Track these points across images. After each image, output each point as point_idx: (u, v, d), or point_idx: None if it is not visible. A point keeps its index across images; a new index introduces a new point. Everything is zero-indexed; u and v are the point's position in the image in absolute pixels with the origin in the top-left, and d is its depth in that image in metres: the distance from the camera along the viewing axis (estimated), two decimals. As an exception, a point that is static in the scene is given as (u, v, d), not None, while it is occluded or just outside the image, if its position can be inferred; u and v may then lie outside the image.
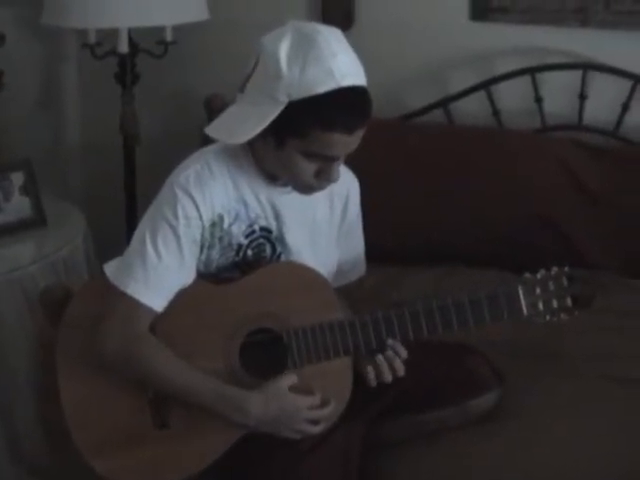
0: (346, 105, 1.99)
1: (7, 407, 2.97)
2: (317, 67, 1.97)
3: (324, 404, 2.11)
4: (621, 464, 2.22)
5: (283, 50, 1.99)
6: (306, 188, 2.12)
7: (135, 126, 3.45)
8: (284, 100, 1.98)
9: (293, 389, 2.09)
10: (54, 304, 2.27)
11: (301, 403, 2.09)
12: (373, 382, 2.15)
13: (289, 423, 2.08)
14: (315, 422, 2.10)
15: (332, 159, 2.05)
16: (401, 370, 2.15)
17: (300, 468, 2.08)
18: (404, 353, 2.15)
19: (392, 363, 2.14)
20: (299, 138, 2.01)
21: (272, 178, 2.15)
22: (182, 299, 2.11)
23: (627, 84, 3.21)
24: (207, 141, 2.21)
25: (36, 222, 3.18)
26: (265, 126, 2.00)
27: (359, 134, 2.04)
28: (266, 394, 2.07)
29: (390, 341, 2.14)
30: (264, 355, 2.12)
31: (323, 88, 1.97)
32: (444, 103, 3.35)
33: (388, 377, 2.14)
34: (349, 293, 2.35)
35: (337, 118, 1.99)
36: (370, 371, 2.15)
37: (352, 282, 2.40)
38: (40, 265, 3.02)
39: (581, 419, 2.33)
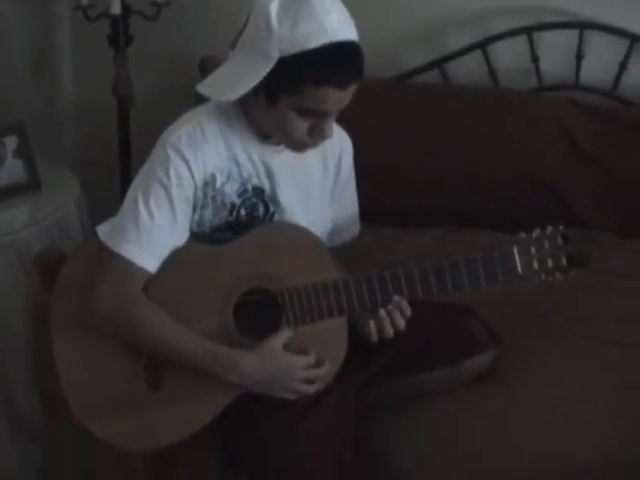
0: (339, 60, 1.98)
1: (3, 372, 2.96)
2: (309, 23, 1.95)
3: (319, 364, 2.10)
4: (613, 423, 2.23)
5: (274, 6, 1.97)
6: (299, 146, 2.11)
7: (129, 88, 3.42)
8: (276, 56, 1.97)
9: (288, 349, 2.09)
10: (48, 267, 2.26)
11: (296, 362, 2.09)
12: (374, 336, 2.14)
13: (284, 383, 2.08)
14: (310, 382, 2.10)
15: (325, 115, 2.04)
16: (402, 324, 2.14)
17: (295, 429, 2.08)
18: (408, 311, 2.14)
19: (393, 317, 2.12)
20: (291, 94, 1.99)
21: (265, 137, 2.14)
22: (175, 260, 2.10)
23: (624, 43, 3.18)
24: (201, 102, 2.19)
25: (30, 186, 3.17)
26: (257, 83, 1.99)
27: (352, 89, 2.02)
28: (260, 354, 2.06)
29: (397, 297, 2.13)
30: (258, 316, 2.11)
31: (315, 43, 1.95)
32: (440, 63, 3.32)
33: (389, 331, 2.13)
34: (343, 253, 2.34)
35: (330, 73, 1.97)
36: (372, 325, 2.13)
37: (346, 242, 2.40)
38: (34, 229, 3.01)
39: (572, 379, 2.33)
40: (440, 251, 2.75)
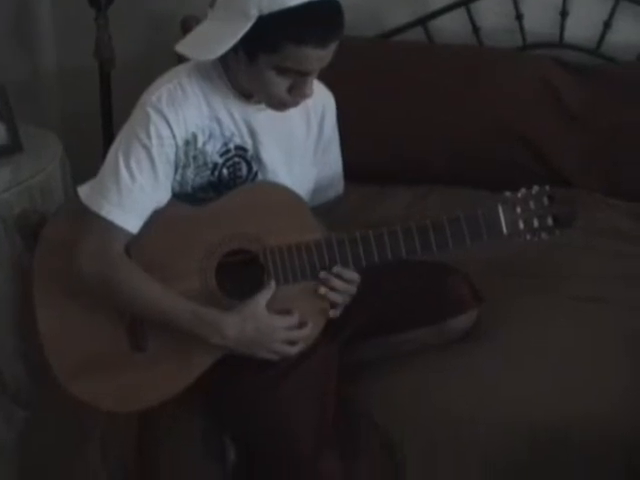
0: (318, 18, 1.95)
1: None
2: None
3: (301, 325, 2.10)
4: (594, 381, 2.23)
5: None
6: (280, 105, 2.09)
7: (110, 50, 3.40)
8: (255, 14, 1.94)
9: (271, 309, 2.08)
10: (30, 229, 2.24)
11: (278, 323, 2.08)
12: (333, 313, 2.14)
13: (266, 343, 2.07)
14: (292, 343, 2.09)
15: (305, 74, 2.02)
16: (351, 290, 2.13)
17: (277, 389, 2.08)
18: (354, 275, 2.13)
19: (332, 285, 2.11)
20: (271, 53, 1.97)
21: (246, 96, 2.12)
22: (157, 220, 2.08)
23: (609, 1, 3.17)
24: (183, 62, 2.17)
25: (12, 148, 3.15)
26: (236, 42, 1.96)
27: (332, 48, 2.00)
28: (242, 315, 2.05)
29: (335, 268, 2.11)
30: (241, 276, 2.11)
31: (295, 1, 1.92)
32: (423, 21, 3.31)
33: (337, 298, 2.12)
34: (327, 212, 2.33)
35: (309, 31, 1.95)
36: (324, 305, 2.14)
37: (330, 200, 2.39)
38: (16, 191, 2.99)
39: (553, 337, 2.35)
40: (424, 210, 2.75)
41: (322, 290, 2.11)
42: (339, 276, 2.11)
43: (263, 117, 2.15)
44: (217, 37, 1.99)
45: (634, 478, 2.08)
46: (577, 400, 2.18)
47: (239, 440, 2.18)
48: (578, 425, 2.15)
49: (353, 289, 2.13)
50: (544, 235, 2.15)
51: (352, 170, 2.43)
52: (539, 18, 3.24)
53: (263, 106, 2.13)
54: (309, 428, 2.11)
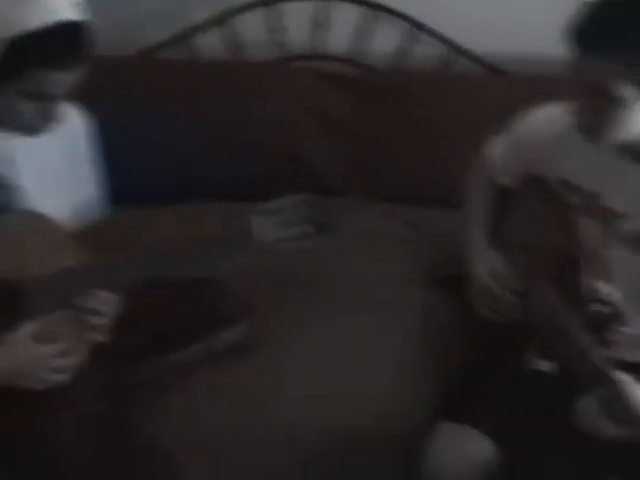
0: (60, 40, 1.92)
1: None
2: (26, 3, 1.89)
3: (67, 352, 2.06)
4: (364, 383, 2.31)
5: None
6: (30, 129, 2.05)
7: None
8: None
9: (35, 339, 2.04)
10: None
11: (42, 352, 2.03)
12: (99, 337, 2.09)
13: (31, 373, 2.02)
14: (59, 371, 2.05)
15: (52, 97, 1.99)
16: (108, 310, 2.09)
17: (47, 419, 2.03)
18: (105, 296, 2.09)
19: (93, 311, 2.08)
20: (14, 78, 1.93)
21: None
22: None
23: (368, 11, 3.26)
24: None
25: None
26: None
27: (78, 69, 1.97)
28: (5, 345, 2.00)
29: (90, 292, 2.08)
30: (3, 307, 2.05)
31: (33, 24, 1.89)
32: (185, 37, 3.30)
33: (102, 321, 2.09)
34: (89, 235, 2.30)
35: (51, 55, 1.91)
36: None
37: (92, 224, 2.35)
38: None
39: (330, 345, 2.41)
40: (193, 227, 2.73)
41: (81, 316, 2.08)
42: (96, 299, 2.08)
43: (17, 143, 2.10)
44: None
45: (413, 470, 2.15)
46: (351, 403, 2.26)
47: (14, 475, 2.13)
48: (353, 427, 2.23)
49: (111, 310, 2.11)
50: (305, 242, 2.17)
51: (118, 192, 2.41)
52: (299, 30, 3.29)
53: (15, 132, 2.09)
54: (85, 454, 2.07)
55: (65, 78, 1.96)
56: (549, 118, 2.23)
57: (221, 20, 3.28)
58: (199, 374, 2.28)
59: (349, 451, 2.23)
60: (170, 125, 3.06)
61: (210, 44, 3.30)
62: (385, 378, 2.33)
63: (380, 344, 2.41)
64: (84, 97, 2.11)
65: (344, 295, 2.57)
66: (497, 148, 2.40)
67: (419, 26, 3.28)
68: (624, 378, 1.88)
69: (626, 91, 1.88)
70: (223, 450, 2.22)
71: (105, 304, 2.09)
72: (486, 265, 2.27)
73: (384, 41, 3.31)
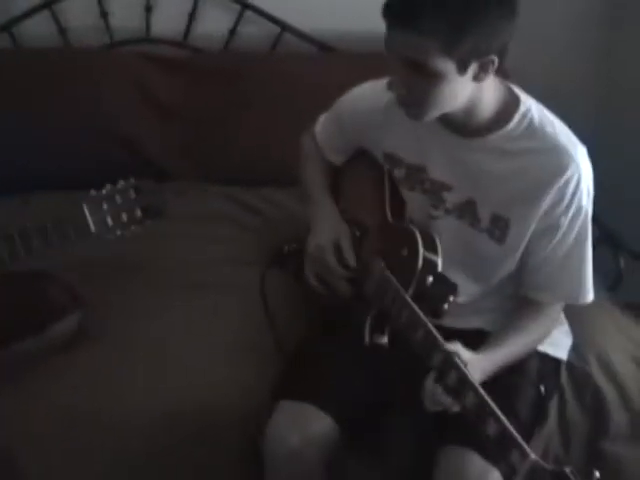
0: None
1: None
2: None
3: None
4: (210, 369, 2.29)
5: None
6: None
7: None
8: None
9: None
10: None
11: None
12: None
13: None
14: None
15: None
16: None
17: None
18: None
19: None
20: None
21: None
22: None
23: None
24: None
25: None
26: None
27: None
28: None
29: None
30: None
31: None
32: (6, 27, 3.22)
33: None
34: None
35: None
36: None
37: None
38: None
39: (167, 330, 2.38)
40: (21, 218, 2.66)
41: None
42: None
43: None
44: None
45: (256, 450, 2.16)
46: (192, 386, 2.24)
47: None
48: (195, 410, 2.21)
49: None
50: (134, 228, 2.16)
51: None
52: (125, 15, 3.26)
53: None
54: None
55: None
56: (371, 93, 2.25)
57: (44, 7, 3.21)
58: (37, 368, 2.23)
59: (193, 435, 2.22)
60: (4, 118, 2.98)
61: (34, 32, 3.23)
62: (224, 360, 2.32)
63: (217, 326, 2.40)
64: None
65: (180, 279, 2.55)
66: (324, 126, 2.42)
67: (247, 6, 3.28)
68: (452, 348, 1.91)
69: (442, 66, 1.90)
70: (61, 446, 2.18)
71: None
72: (330, 237, 2.27)
73: (210, 23, 3.31)
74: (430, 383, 1.90)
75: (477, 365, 1.94)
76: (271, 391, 2.19)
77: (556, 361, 2.26)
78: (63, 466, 2.18)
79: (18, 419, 2.18)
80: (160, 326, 2.39)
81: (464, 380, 1.85)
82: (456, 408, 1.87)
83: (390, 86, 2.04)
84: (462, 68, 1.90)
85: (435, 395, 1.89)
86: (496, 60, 1.91)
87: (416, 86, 1.95)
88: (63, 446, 2.17)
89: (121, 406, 2.21)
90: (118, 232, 2.15)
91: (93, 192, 2.14)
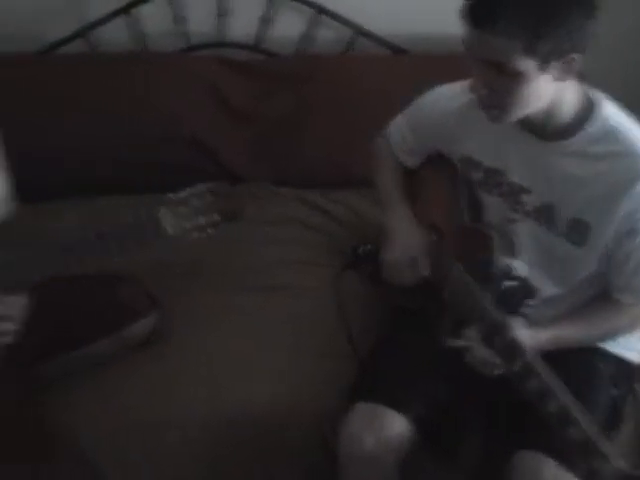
0: None
1: None
2: None
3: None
4: (282, 371, 2.32)
5: None
6: None
7: None
8: None
9: None
10: None
11: None
12: (4, 340, 2.06)
13: None
14: None
15: None
16: (12, 313, 2.05)
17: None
18: (8, 299, 2.05)
19: None
20: None
21: None
22: None
23: (265, -2, 3.25)
24: None
25: None
26: None
27: None
28: None
29: None
30: None
31: None
32: (84, 32, 3.25)
33: (6, 326, 2.05)
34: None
35: None
36: None
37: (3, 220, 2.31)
38: None
39: (239, 333, 2.41)
40: (95, 222, 2.70)
41: None
42: (2, 304, 2.03)
43: None
44: None
45: (328, 451, 2.16)
46: (262, 388, 2.26)
47: None
48: (258, 419, 2.23)
49: (19, 313, 2.07)
50: (211, 231, 2.17)
51: (25, 188, 2.36)
52: (201, 19, 3.27)
53: None
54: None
55: None
56: (447, 96, 2.25)
57: (121, 12, 3.24)
58: (110, 368, 2.27)
59: (260, 439, 2.24)
60: (74, 119, 3.01)
61: (111, 37, 3.26)
62: (294, 362, 2.34)
63: (289, 328, 2.42)
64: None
65: (252, 281, 2.57)
66: (398, 128, 2.41)
67: (322, 10, 3.28)
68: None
69: (525, 66, 1.89)
70: (135, 443, 2.21)
71: (12, 308, 2.06)
72: (406, 250, 2.27)
73: (283, 27, 3.32)
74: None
75: (535, 336, 1.98)
76: (346, 393, 2.19)
77: (630, 364, 2.24)
78: (135, 466, 2.21)
79: (90, 418, 2.21)
80: (231, 329, 2.41)
81: (543, 387, 1.84)
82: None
83: (471, 88, 2.03)
84: (544, 68, 1.89)
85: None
86: (578, 59, 1.90)
87: (498, 87, 1.94)
88: (134, 446, 2.21)
89: (190, 409, 2.23)
90: (195, 235, 2.16)
91: (170, 195, 2.15)
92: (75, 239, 2.07)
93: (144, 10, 3.25)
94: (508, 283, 2.10)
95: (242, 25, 3.28)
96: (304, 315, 2.47)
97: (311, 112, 3.11)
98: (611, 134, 2.01)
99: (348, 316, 2.39)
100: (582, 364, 2.13)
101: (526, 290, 2.13)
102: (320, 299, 2.49)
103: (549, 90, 1.95)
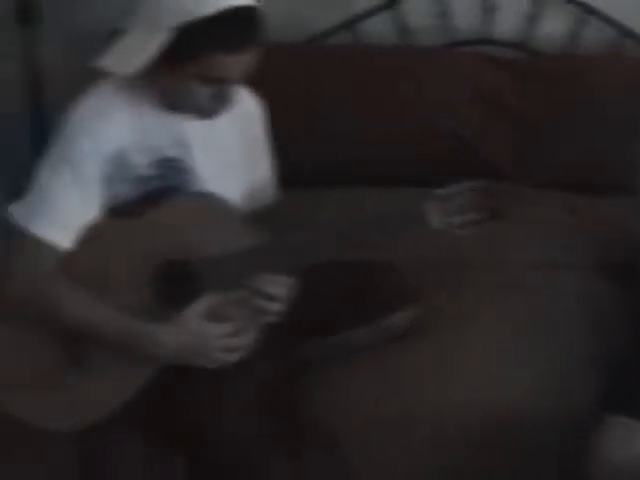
0: (233, 24, 1.97)
1: None
2: None
3: (239, 332, 2.10)
4: (538, 370, 2.28)
5: None
6: (206, 113, 2.10)
7: (39, 65, 3.37)
8: (172, 26, 1.96)
9: (207, 318, 2.08)
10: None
11: (214, 331, 2.08)
12: (271, 319, 2.14)
13: (203, 352, 2.07)
14: (231, 350, 2.09)
15: (227, 80, 2.03)
16: (285, 294, 2.13)
17: (220, 397, 2.08)
18: (283, 280, 2.13)
19: (270, 295, 2.11)
20: (190, 62, 1.99)
21: (173, 106, 2.12)
22: (90, 235, 2.08)
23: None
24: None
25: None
26: (154, 54, 1.97)
27: (252, 53, 2.01)
28: (178, 324, 2.05)
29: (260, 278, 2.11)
30: (177, 287, 2.10)
31: (210, 10, 1.94)
32: (350, 24, 3.31)
33: (277, 306, 2.12)
34: (262, 218, 2.33)
35: (224, 38, 1.96)
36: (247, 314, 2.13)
37: (265, 206, 2.39)
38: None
39: (494, 327, 2.39)
40: (359, 210, 2.74)
41: (256, 299, 2.11)
42: (272, 283, 2.11)
43: (192, 127, 2.15)
44: (135, 51, 2.00)
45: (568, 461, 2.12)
46: (515, 391, 2.23)
47: (185, 451, 2.16)
48: (516, 416, 2.20)
49: (287, 294, 2.13)
50: (475, 228, 2.16)
51: (286, 175, 2.44)
52: (466, 15, 3.27)
53: (192, 115, 2.13)
54: (255, 433, 2.10)
55: (240, 62, 2.00)
56: None
57: (387, 6, 3.27)
58: (365, 357, 2.29)
59: (514, 436, 2.21)
60: (337, 110, 3.07)
61: (376, 30, 3.30)
62: (550, 364, 2.30)
63: (544, 330, 2.39)
64: (254, 82, 2.14)
65: (509, 281, 2.55)
66: None
67: (589, 10, 3.22)
68: None
69: None
70: (386, 437, 2.22)
71: (281, 289, 2.12)
72: None
73: (551, 25, 3.26)
74: None
75: None
76: (598, 401, 2.13)
77: None
78: (387, 460, 2.23)
79: (341, 408, 2.24)
80: (487, 328, 2.39)
81: None
82: None
83: None
84: None
85: None
86: None
87: None
88: (385, 440, 2.22)
89: (441, 405, 2.23)
90: (458, 231, 2.17)
91: (438, 189, 2.16)
92: (347, 226, 2.11)
93: (409, 4, 3.27)
94: None
95: (508, 22, 3.25)
96: (559, 318, 2.43)
97: (573, 113, 3.05)
98: None
99: (602, 322, 2.34)
100: None
101: None
102: (571, 301, 2.46)
103: None
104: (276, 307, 2.12)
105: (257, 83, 2.18)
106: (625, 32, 3.23)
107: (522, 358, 2.31)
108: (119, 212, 2.13)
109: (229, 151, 2.24)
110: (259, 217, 2.33)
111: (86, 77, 2.72)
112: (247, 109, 2.27)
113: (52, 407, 2.08)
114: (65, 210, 2.03)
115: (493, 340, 2.36)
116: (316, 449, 2.19)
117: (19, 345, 2.09)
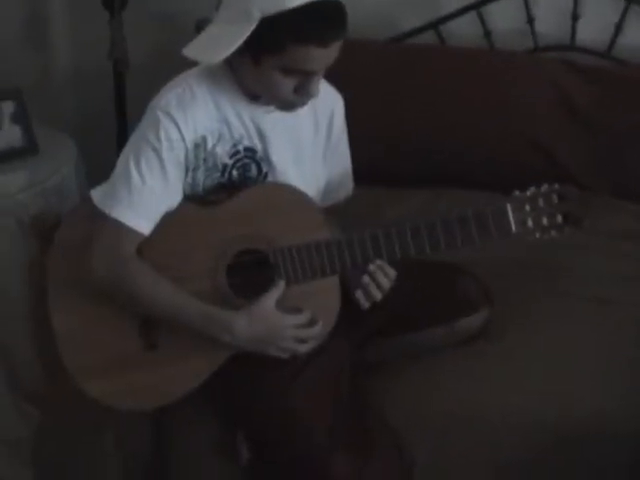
0: (320, 17, 1.97)
1: (4, 336, 2.97)
2: None
3: (312, 323, 2.12)
4: (606, 379, 2.26)
5: None
6: (287, 105, 2.11)
7: (124, 52, 3.42)
8: (258, 16, 1.97)
9: (281, 308, 2.10)
10: (45, 231, 2.28)
11: (287, 321, 2.10)
12: (365, 304, 2.16)
13: (275, 341, 2.09)
14: (303, 341, 2.11)
15: (310, 73, 2.04)
16: (386, 285, 2.14)
17: (290, 387, 2.10)
18: (392, 271, 2.15)
19: (378, 280, 2.13)
20: (275, 54, 2.00)
21: (254, 97, 2.14)
22: (169, 222, 2.11)
23: (620, 4, 3.17)
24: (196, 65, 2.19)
25: (27, 150, 3.19)
26: (239, 44, 1.99)
27: (336, 47, 2.02)
28: (251, 314, 2.08)
29: (378, 261, 2.13)
30: (251, 276, 2.12)
31: (296, 2, 1.95)
32: (435, 25, 3.31)
33: (377, 295, 2.15)
34: (338, 212, 2.35)
35: (311, 31, 1.97)
36: (360, 295, 2.15)
37: (340, 201, 2.41)
38: (31, 193, 3.03)
39: (563, 337, 2.37)
40: (434, 211, 2.74)
41: (366, 279, 2.13)
42: (382, 269, 2.13)
43: (271, 118, 2.17)
44: (221, 40, 2.02)
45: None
46: (583, 401, 2.21)
47: (252, 439, 2.19)
48: (583, 426, 2.18)
49: (389, 285, 2.15)
50: (553, 233, 2.15)
51: (363, 172, 2.45)
52: (550, 21, 3.25)
53: (272, 107, 2.15)
54: (322, 426, 2.12)
55: (323, 54, 2.01)
56: None
57: (472, 8, 3.27)
58: (437, 359, 2.29)
59: (572, 449, 2.19)
60: (416, 111, 3.08)
61: (460, 32, 3.31)
62: (620, 374, 2.28)
63: (613, 343, 2.37)
64: (335, 76, 2.16)
65: (583, 291, 2.52)
66: None
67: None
68: None
69: None
70: (451, 439, 2.21)
71: (388, 280, 2.14)
72: None
73: (636, 34, 3.22)
74: None
75: None
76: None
77: None
78: (451, 463, 2.22)
79: (411, 403, 2.24)
80: (557, 336, 2.37)
81: None
82: None
83: None
84: None
85: None
86: None
87: None
88: (452, 443, 2.22)
89: (509, 408, 2.21)
90: (537, 235, 2.16)
91: (517, 193, 2.15)
92: (423, 224, 2.12)
93: (495, 7, 3.26)
94: None
95: (593, 30, 3.22)
96: (634, 332, 2.41)
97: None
98: None
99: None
100: None
101: None
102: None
103: None
104: (379, 296, 2.14)
105: (341, 78, 2.19)
106: None
107: (592, 370, 2.29)
108: (198, 200, 2.15)
109: (307, 144, 2.26)
110: (336, 211, 2.34)
111: (170, 64, 2.78)
112: (328, 103, 2.28)
113: (125, 388, 2.12)
114: (146, 197, 2.07)
115: (561, 349, 2.34)
116: (381, 449, 2.19)
117: (96, 325, 2.13)
